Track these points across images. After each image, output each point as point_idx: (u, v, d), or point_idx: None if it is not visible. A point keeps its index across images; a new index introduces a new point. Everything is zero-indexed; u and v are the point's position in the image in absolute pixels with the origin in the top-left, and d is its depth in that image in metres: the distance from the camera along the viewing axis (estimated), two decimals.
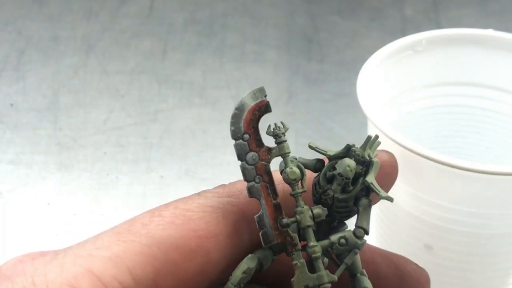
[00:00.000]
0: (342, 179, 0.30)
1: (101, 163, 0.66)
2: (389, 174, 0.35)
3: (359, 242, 0.31)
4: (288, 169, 0.30)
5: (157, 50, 0.80)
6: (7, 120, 0.70)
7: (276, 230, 0.30)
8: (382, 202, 0.48)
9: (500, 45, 0.50)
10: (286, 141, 0.31)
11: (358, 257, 0.32)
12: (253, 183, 0.30)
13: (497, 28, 0.51)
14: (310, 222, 0.30)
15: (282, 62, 0.78)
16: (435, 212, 0.43)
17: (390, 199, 0.31)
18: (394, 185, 0.45)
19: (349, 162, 0.31)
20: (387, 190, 0.35)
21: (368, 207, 0.31)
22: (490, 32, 0.50)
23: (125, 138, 0.69)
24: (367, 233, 0.31)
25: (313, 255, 0.30)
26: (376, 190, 0.31)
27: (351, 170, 0.30)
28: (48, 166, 0.65)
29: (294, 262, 0.30)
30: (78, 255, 0.28)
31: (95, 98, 0.73)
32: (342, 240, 0.31)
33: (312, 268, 0.31)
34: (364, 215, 0.31)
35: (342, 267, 0.31)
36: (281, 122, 0.31)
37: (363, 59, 0.47)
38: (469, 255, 0.45)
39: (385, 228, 0.48)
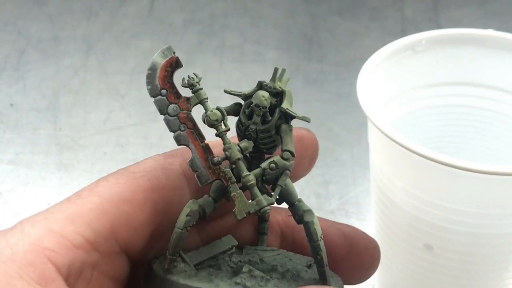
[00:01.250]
0: (260, 109, 0.33)
1: (101, 163, 0.66)
2: (309, 147, 0.37)
3: (287, 163, 0.33)
4: (208, 112, 0.33)
5: (157, 50, 0.80)
6: (7, 120, 0.70)
7: (209, 169, 0.33)
8: (382, 202, 0.48)
9: (500, 45, 0.50)
10: (201, 89, 0.33)
11: (293, 187, 0.34)
12: (178, 131, 0.33)
13: (497, 28, 0.51)
14: (239, 155, 0.33)
15: (282, 62, 0.78)
16: (435, 212, 0.43)
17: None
18: (394, 185, 0.45)
19: (263, 93, 0.33)
20: (311, 163, 0.38)
21: (290, 132, 0.34)
22: (490, 32, 0.50)
23: (125, 138, 0.69)
24: (293, 154, 0.33)
25: (248, 184, 0.33)
26: (292, 113, 0.33)
27: (266, 99, 0.33)
28: (48, 166, 0.65)
29: (232, 194, 0.33)
30: (35, 221, 0.31)
31: (95, 98, 0.73)
32: (272, 165, 0.33)
33: (250, 196, 0.33)
34: (287, 138, 0.34)
35: (277, 189, 0.33)
36: (193, 73, 0.33)
37: (363, 59, 0.47)
38: (469, 255, 0.45)
39: (385, 228, 0.48)
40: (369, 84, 0.45)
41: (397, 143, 0.41)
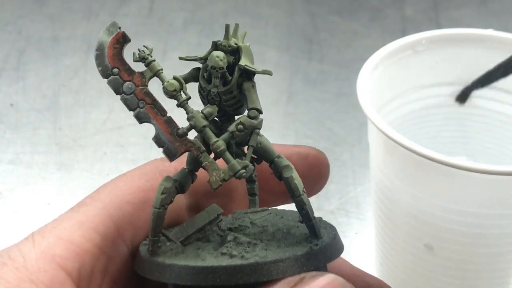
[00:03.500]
0: (217, 71, 0.32)
1: (101, 163, 0.66)
2: (315, 166, 0.37)
3: (255, 122, 0.32)
4: (165, 83, 0.32)
5: (157, 50, 0.80)
6: (7, 120, 0.70)
7: (176, 142, 0.32)
8: (382, 202, 0.48)
9: (500, 45, 0.50)
10: (154, 60, 0.32)
11: (269, 144, 0.33)
12: (138, 109, 0.32)
13: (497, 28, 0.51)
14: (204, 122, 0.32)
15: (282, 62, 0.77)
16: (435, 212, 0.43)
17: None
18: (394, 185, 0.45)
19: (217, 53, 0.32)
20: (319, 183, 0.37)
21: (253, 88, 0.32)
22: (490, 32, 0.50)
23: (125, 138, 0.69)
24: (259, 111, 0.32)
25: (218, 150, 0.31)
26: (251, 69, 0.32)
27: (221, 60, 0.32)
28: (48, 166, 0.65)
29: (204, 163, 0.32)
30: (45, 231, 0.31)
31: (95, 98, 0.73)
32: (240, 126, 0.32)
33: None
34: (252, 96, 0.32)
35: (249, 150, 0.32)
36: (144, 45, 0.32)
37: (363, 59, 0.47)
38: (469, 255, 0.45)
39: (385, 228, 0.48)
40: (369, 84, 0.45)
41: (397, 143, 0.41)
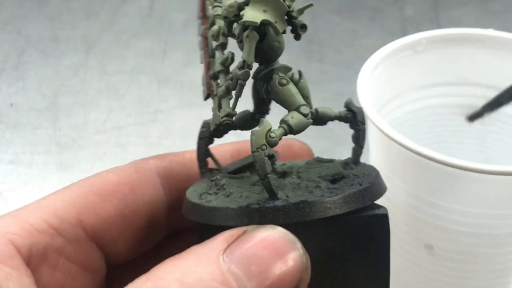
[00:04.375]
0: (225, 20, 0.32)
1: (101, 163, 0.66)
2: (299, 156, 0.38)
3: (238, 72, 0.31)
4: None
5: (157, 50, 0.80)
6: (7, 120, 0.70)
7: (207, 84, 0.33)
8: (382, 202, 0.48)
9: (500, 45, 0.50)
10: (214, 7, 0.34)
11: (284, 96, 0.32)
12: (201, 50, 0.34)
13: (497, 28, 0.51)
14: (219, 67, 0.33)
15: (282, 62, 0.77)
16: (435, 212, 0.43)
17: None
18: (394, 185, 0.45)
19: (229, 1, 0.32)
20: None
21: (247, 38, 0.31)
22: (490, 32, 0.50)
23: (125, 138, 0.69)
24: (246, 63, 0.31)
25: (217, 95, 0.32)
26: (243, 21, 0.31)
27: (224, 9, 0.32)
28: (48, 166, 0.65)
29: (212, 106, 0.33)
30: (7, 213, 0.32)
31: (95, 98, 0.73)
32: (230, 75, 0.32)
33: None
34: (245, 47, 0.31)
35: (234, 100, 0.32)
36: None
37: (363, 59, 0.47)
38: (469, 255, 0.45)
39: None
40: (369, 84, 0.45)
41: (397, 143, 0.41)
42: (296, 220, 0.29)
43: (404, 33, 0.55)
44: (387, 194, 0.46)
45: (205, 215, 0.31)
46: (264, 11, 0.31)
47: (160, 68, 0.78)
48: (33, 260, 0.31)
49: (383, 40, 0.51)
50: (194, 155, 0.36)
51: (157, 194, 0.35)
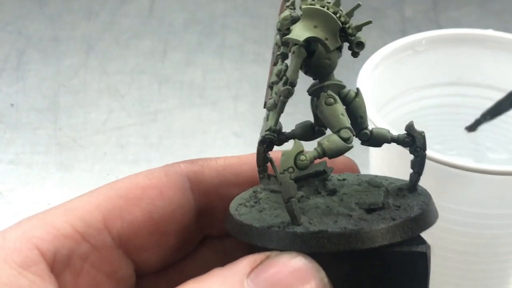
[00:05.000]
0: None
1: (101, 163, 0.66)
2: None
3: (281, 88, 0.31)
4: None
5: (157, 50, 0.80)
6: (7, 120, 0.70)
7: (266, 92, 0.32)
8: None
9: (500, 45, 0.50)
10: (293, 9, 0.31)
11: (330, 116, 0.31)
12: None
13: (497, 28, 0.51)
14: (273, 78, 0.32)
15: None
16: None
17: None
18: None
19: (283, 14, 0.31)
20: None
21: (293, 54, 0.30)
22: (490, 32, 0.50)
23: (125, 138, 0.69)
24: (289, 79, 0.30)
25: (267, 106, 0.31)
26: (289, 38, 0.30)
27: (279, 21, 0.31)
28: (48, 166, 0.65)
29: (264, 116, 0.32)
30: (32, 217, 0.32)
31: (95, 98, 0.73)
32: (275, 90, 0.31)
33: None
34: (290, 64, 0.31)
35: (273, 114, 0.31)
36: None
37: (363, 59, 0.47)
38: (469, 255, 0.45)
39: None
40: (369, 84, 0.45)
41: None
42: (312, 250, 0.28)
43: (404, 33, 0.55)
44: None
45: (234, 228, 0.31)
46: (315, 26, 0.30)
47: (160, 68, 0.78)
48: (57, 266, 0.31)
49: (383, 40, 0.51)
50: (228, 161, 0.35)
51: (186, 199, 0.34)
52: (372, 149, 0.47)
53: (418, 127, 0.33)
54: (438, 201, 0.43)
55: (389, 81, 0.49)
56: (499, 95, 0.51)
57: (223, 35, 0.82)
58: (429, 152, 0.40)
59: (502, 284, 0.48)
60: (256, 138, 0.34)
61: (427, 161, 0.40)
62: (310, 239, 0.28)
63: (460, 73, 0.51)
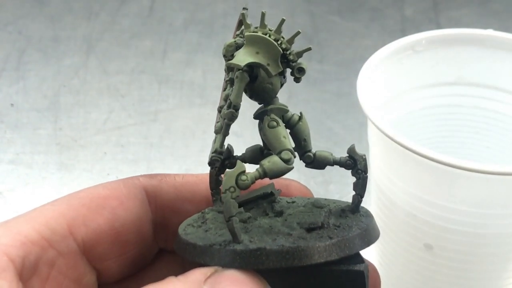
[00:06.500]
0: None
1: (101, 163, 0.66)
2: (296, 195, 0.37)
3: (225, 111, 0.32)
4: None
5: (157, 50, 0.80)
6: (7, 120, 0.71)
7: (217, 116, 0.34)
8: (382, 202, 0.48)
9: (500, 45, 0.50)
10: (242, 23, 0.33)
11: (272, 137, 0.32)
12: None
13: (497, 28, 0.51)
14: (221, 102, 0.33)
15: None
16: (435, 212, 0.43)
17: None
18: (394, 185, 0.45)
19: (228, 41, 0.32)
20: None
21: (236, 79, 0.31)
22: (490, 32, 0.50)
23: (125, 138, 0.69)
24: (232, 103, 0.31)
25: (214, 130, 0.33)
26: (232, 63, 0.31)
27: (224, 48, 0.32)
28: (48, 166, 0.65)
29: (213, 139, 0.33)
30: (0, 224, 0.32)
31: (95, 98, 0.73)
32: (221, 113, 0.32)
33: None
34: (233, 88, 0.32)
35: (222, 137, 0.32)
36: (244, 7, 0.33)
37: (363, 59, 0.47)
38: (469, 255, 0.45)
39: (385, 228, 0.48)
40: (369, 84, 0.45)
41: (397, 143, 0.41)
42: (252, 267, 0.30)
43: (404, 33, 0.55)
44: (387, 194, 0.46)
45: (180, 247, 0.32)
46: (257, 52, 0.31)
47: (160, 68, 0.78)
48: (25, 272, 0.31)
49: (383, 40, 0.51)
50: (186, 179, 0.36)
51: (145, 211, 0.35)
52: (372, 150, 0.47)
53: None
54: (438, 201, 0.43)
55: (389, 81, 0.49)
56: (499, 95, 0.51)
57: (223, 35, 0.82)
58: (428, 152, 0.40)
59: (502, 284, 0.48)
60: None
61: (427, 161, 0.40)
62: (249, 256, 0.30)
63: (460, 73, 0.51)
